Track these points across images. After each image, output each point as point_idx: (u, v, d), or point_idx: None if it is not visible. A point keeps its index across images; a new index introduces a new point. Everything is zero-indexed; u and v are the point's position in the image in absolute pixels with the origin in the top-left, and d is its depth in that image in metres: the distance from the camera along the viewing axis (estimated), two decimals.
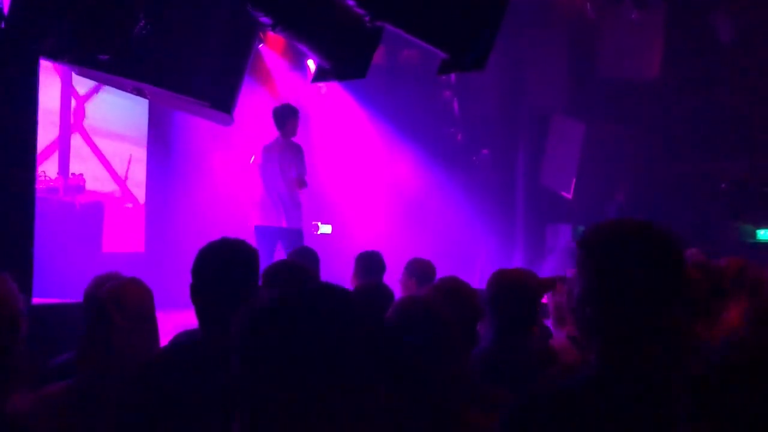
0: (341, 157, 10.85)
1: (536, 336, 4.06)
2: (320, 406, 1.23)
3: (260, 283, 3.39)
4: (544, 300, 5.41)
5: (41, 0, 4.71)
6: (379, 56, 6.51)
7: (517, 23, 9.78)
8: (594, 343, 1.90)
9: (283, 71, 10.25)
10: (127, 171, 9.31)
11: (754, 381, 1.42)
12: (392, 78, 10.75)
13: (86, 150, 8.86)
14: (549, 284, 4.26)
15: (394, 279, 5.52)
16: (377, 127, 11.04)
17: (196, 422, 2.36)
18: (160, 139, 9.64)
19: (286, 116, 7.93)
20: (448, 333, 2.41)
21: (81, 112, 8.77)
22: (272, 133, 8.28)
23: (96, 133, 8.98)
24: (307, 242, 7.57)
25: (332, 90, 10.49)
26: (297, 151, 7.93)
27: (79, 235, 7.80)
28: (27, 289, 4.58)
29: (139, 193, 9.54)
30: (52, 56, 5.17)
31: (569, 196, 11.13)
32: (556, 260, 10.41)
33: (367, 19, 5.80)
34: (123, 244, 9.12)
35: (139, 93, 6.03)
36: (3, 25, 4.57)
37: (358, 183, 11.02)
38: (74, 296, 4.89)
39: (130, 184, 9.39)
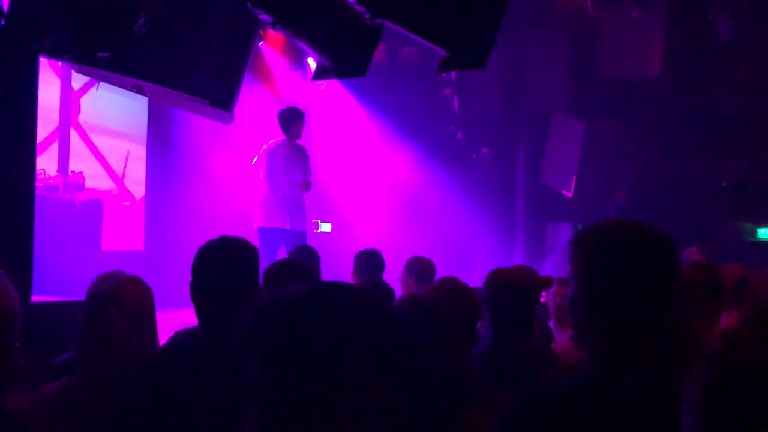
0: (341, 155, 10.85)
1: (536, 335, 4.06)
2: (340, 405, 1.23)
3: (261, 282, 3.39)
4: (544, 299, 5.42)
5: None
6: (379, 54, 6.50)
7: (518, 22, 9.80)
8: (587, 343, 1.90)
9: (283, 69, 10.25)
10: (124, 168, 9.30)
11: (754, 381, 1.41)
12: (392, 76, 10.75)
13: (82, 146, 8.84)
14: (546, 282, 4.26)
15: (394, 277, 5.52)
16: (377, 125, 11.03)
17: (195, 421, 2.35)
18: (160, 137, 9.63)
19: (291, 119, 7.95)
20: (449, 332, 2.41)
21: (76, 108, 8.75)
22: (273, 132, 8.28)
23: (94, 130, 8.97)
24: (308, 241, 7.61)
25: (332, 87, 10.48)
26: (302, 154, 7.96)
27: (78, 233, 7.80)
28: (26, 287, 4.58)
29: (137, 190, 9.53)
30: (52, 54, 5.17)
31: (570, 194, 11.13)
32: (556, 259, 10.42)
33: (367, 16, 5.80)
34: (122, 241, 9.12)
35: (139, 91, 6.02)
36: (2, 23, 4.56)
37: (358, 181, 11.02)
38: (74, 294, 4.88)
39: (127, 181, 9.37)
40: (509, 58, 10.51)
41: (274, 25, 5.80)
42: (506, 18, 6.32)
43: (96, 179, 8.85)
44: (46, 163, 7.94)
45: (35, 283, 4.78)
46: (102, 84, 7.32)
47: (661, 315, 1.87)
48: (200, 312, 2.59)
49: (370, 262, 5.65)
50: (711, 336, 3.26)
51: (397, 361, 1.30)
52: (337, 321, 1.26)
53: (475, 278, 7.41)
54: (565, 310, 4.31)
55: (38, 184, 5.96)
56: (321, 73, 6.88)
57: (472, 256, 10.81)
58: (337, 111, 10.87)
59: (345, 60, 6.44)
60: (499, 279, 3.51)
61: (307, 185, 7.88)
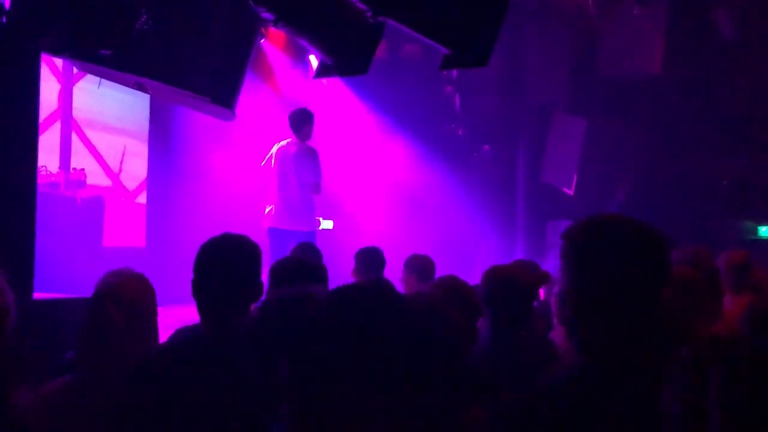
0: (342, 153, 10.84)
1: (539, 332, 4.06)
2: (368, 404, 1.24)
3: (267, 280, 3.40)
4: (543, 297, 5.42)
5: None
6: (380, 51, 6.49)
7: (519, 19, 9.79)
8: (576, 338, 1.90)
9: (284, 66, 10.24)
10: (120, 163, 9.28)
11: (754, 380, 1.42)
12: (393, 73, 10.73)
13: (83, 144, 8.84)
14: (543, 279, 4.26)
15: (395, 275, 5.52)
16: (378, 122, 11.02)
17: (196, 419, 2.36)
18: (162, 134, 9.64)
19: (302, 121, 8.02)
20: (450, 330, 2.41)
21: (69, 100, 8.75)
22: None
23: (96, 127, 8.97)
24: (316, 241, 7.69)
25: (333, 84, 10.48)
26: (314, 156, 8.04)
27: (80, 230, 7.82)
28: (28, 284, 4.58)
29: (135, 186, 9.51)
30: (54, 51, 5.18)
31: (570, 192, 11.13)
32: (557, 257, 10.40)
33: (369, 14, 5.80)
34: (124, 238, 9.12)
35: (141, 88, 6.02)
36: (4, 20, 4.56)
37: (359, 179, 11.01)
38: (75, 291, 4.90)
39: (124, 177, 9.35)
40: (510, 55, 10.50)
41: (275, 23, 5.80)
42: (507, 16, 6.32)
43: (97, 176, 8.85)
44: (47, 160, 7.95)
45: (37, 280, 4.78)
46: (104, 81, 7.31)
47: (651, 310, 1.86)
48: (202, 310, 2.59)
49: (370, 259, 5.66)
50: (711, 333, 3.27)
51: (422, 362, 1.32)
52: (365, 325, 1.27)
53: (475, 276, 7.40)
54: None
55: (40, 181, 5.96)
56: (323, 71, 6.88)
57: (472, 254, 10.81)
58: (338, 108, 10.86)
59: (347, 58, 6.44)
60: (496, 277, 3.52)
61: (318, 187, 7.98)
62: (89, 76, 7.57)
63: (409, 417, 1.28)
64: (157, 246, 9.23)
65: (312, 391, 1.26)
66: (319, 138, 10.30)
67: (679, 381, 1.57)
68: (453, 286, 3.10)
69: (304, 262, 3.66)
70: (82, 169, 8.40)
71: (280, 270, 3.45)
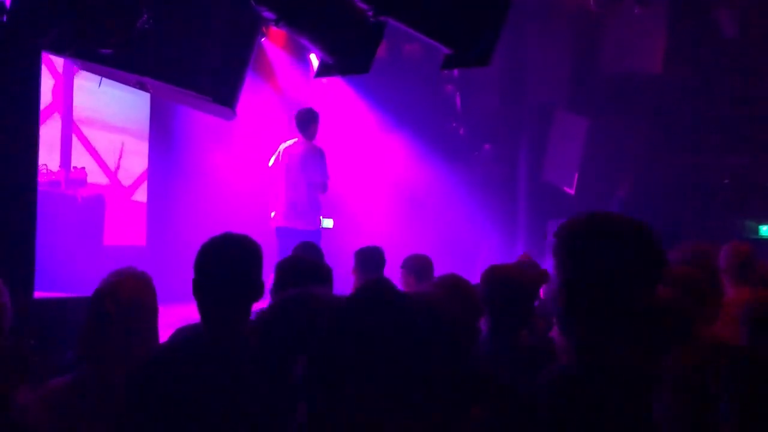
0: (342, 152, 10.84)
1: (541, 332, 4.06)
2: (383, 404, 1.25)
3: (272, 278, 3.40)
4: (543, 296, 5.41)
5: None
6: (381, 50, 6.49)
7: (520, 18, 9.77)
8: (567, 334, 1.89)
9: (285, 65, 10.24)
10: (118, 161, 9.26)
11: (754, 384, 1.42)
12: (394, 71, 10.72)
13: (84, 142, 8.84)
14: (543, 277, 4.25)
15: (396, 274, 5.52)
16: (379, 120, 11.02)
17: (196, 418, 2.35)
18: (162, 133, 9.63)
19: (309, 120, 8.17)
20: (453, 330, 2.41)
21: (69, 99, 8.74)
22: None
23: (96, 126, 8.96)
24: (322, 240, 7.77)
25: (334, 83, 10.48)
26: (321, 156, 8.17)
27: (80, 229, 7.81)
28: (29, 283, 4.58)
29: (131, 182, 9.49)
30: (55, 50, 5.18)
31: (572, 191, 11.12)
32: None
33: (370, 14, 5.79)
34: (124, 237, 9.13)
35: (142, 87, 6.02)
36: (5, 19, 4.56)
37: (359, 177, 11.01)
38: (76, 290, 4.89)
39: (121, 175, 9.33)
40: (511, 54, 10.48)
41: (277, 22, 5.79)
42: (509, 15, 6.31)
43: (95, 174, 8.84)
44: (48, 159, 7.94)
45: (37, 279, 4.78)
46: (104, 80, 7.31)
47: (642, 308, 1.86)
48: (202, 309, 2.58)
49: (369, 259, 5.65)
50: (711, 333, 3.27)
51: (435, 363, 1.33)
52: (384, 328, 1.28)
53: (476, 275, 7.40)
54: None
55: (40, 179, 5.96)
56: (324, 71, 6.87)
57: (473, 253, 10.80)
58: (339, 107, 10.86)
59: (348, 57, 6.43)
60: (495, 276, 3.51)
61: (325, 186, 8.13)
62: (88, 74, 7.57)
63: (419, 416, 1.29)
64: (158, 245, 9.23)
65: (330, 392, 1.27)
66: (320, 137, 10.30)
67: (677, 383, 1.57)
68: (454, 284, 3.09)
69: (310, 262, 3.66)
70: (83, 168, 8.40)
71: (286, 269, 3.45)
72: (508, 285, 3.41)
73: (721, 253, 4.66)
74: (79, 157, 8.70)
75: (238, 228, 2.87)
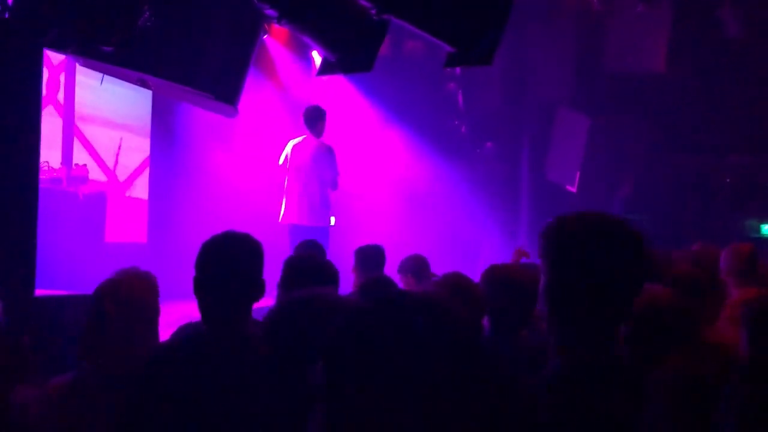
0: (344, 149, 10.83)
1: (540, 331, 4.05)
2: (401, 408, 1.25)
3: (279, 276, 3.40)
4: None
5: None
6: (383, 47, 6.48)
7: (523, 16, 9.76)
8: (554, 334, 1.89)
9: (287, 62, 10.23)
10: (116, 157, 9.25)
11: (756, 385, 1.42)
12: (396, 69, 10.72)
13: (85, 139, 8.83)
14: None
15: (397, 274, 5.52)
16: (380, 118, 11.01)
17: (196, 417, 2.35)
18: (164, 130, 9.63)
19: (317, 117, 8.29)
20: (461, 329, 2.40)
21: (71, 96, 8.73)
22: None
23: (97, 122, 8.96)
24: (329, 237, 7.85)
25: (336, 81, 10.47)
26: (331, 153, 8.27)
27: (82, 226, 7.81)
28: (30, 281, 4.58)
29: (126, 177, 9.48)
30: (56, 47, 5.17)
31: (574, 189, 11.11)
32: None
33: (373, 12, 5.78)
34: (126, 234, 9.13)
35: (144, 84, 6.02)
36: (7, 16, 4.56)
37: (361, 175, 11.00)
38: (78, 287, 4.89)
39: (119, 171, 9.32)
40: (514, 52, 10.47)
41: (279, 20, 5.78)
42: (512, 13, 6.30)
43: (93, 171, 8.84)
44: (49, 156, 7.94)
45: (39, 277, 4.77)
46: (106, 77, 7.30)
47: (627, 309, 1.86)
48: (203, 308, 2.58)
49: (370, 257, 5.66)
50: (712, 333, 3.27)
51: (461, 370, 1.33)
52: (402, 333, 1.28)
53: (478, 273, 7.39)
54: None
55: (42, 176, 5.96)
56: (326, 69, 6.87)
57: (475, 251, 10.79)
58: (341, 104, 10.85)
59: (351, 55, 6.42)
60: (495, 276, 3.50)
61: (335, 183, 8.25)
62: (89, 71, 7.57)
63: (429, 417, 1.29)
64: (159, 242, 9.23)
65: (350, 394, 1.27)
66: (323, 134, 10.33)
67: (676, 387, 1.56)
68: (458, 282, 3.09)
69: (318, 261, 3.66)
70: (84, 165, 8.40)
71: (294, 267, 3.45)
72: (508, 285, 3.40)
73: (723, 255, 4.64)
74: (79, 154, 8.69)
75: (239, 225, 2.86)
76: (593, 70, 10.98)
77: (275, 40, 9.75)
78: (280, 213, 8.27)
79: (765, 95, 10.25)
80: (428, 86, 11.08)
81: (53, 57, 8.40)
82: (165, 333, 2.97)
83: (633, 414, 1.65)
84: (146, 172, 9.67)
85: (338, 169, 8.30)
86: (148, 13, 4.91)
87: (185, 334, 3.03)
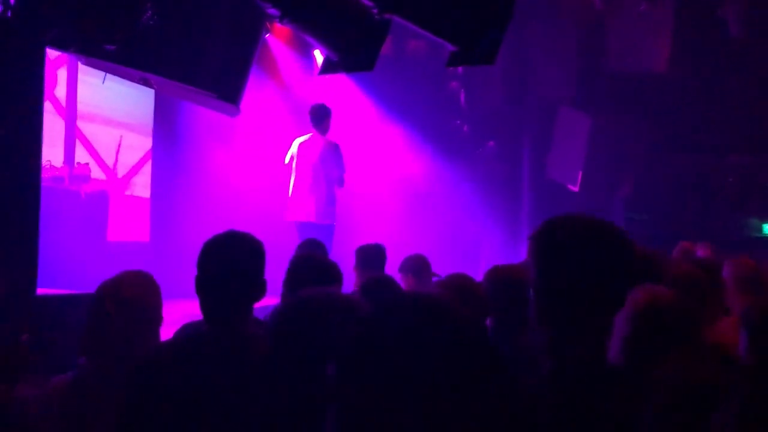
0: (346, 148, 10.82)
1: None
2: (415, 409, 1.25)
3: (284, 276, 3.41)
4: None
5: None
6: (385, 46, 6.48)
7: (525, 15, 9.76)
8: (544, 335, 1.90)
9: (289, 61, 10.23)
10: (116, 155, 9.24)
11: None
12: (399, 68, 10.72)
13: (86, 138, 8.83)
14: None
15: (397, 274, 5.52)
16: (382, 117, 11.01)
17: (197, 417, 2.35)
18: (166, 129, 9.64)
19: (324, 115, 8.33)
20: (461, 330, 2.40)
21: (73, 95, 8.73)
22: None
23: (99, 121, 8.96)
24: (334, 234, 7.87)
25: (338, 80, 10.46)
26: (337, 151, 8.31)
27: (84, 224, 7.82)
28: (32, 280, 4.58)
29: (124, 173, 9.48)
30: (59, 46, 5.18)
31: (575, 189, 11.11)
32: None
33: (375, 11, 5.79)
34: (128, 233, 9.13)
35: (146, 83, 6.03)
36: (9, 15, 4.57)
37: (363, 174, 11.00)
38: (80, 286, 4.90)
39: (119, 169, 9.30)
40: (516, 51, 10.48)
41: (281, 19, 5.79)
42: (514, 13, 6.30)
43: (98, 170, 8.85)
44: (51, 154, 7.94)
45: (41, 276, 4.78)
46: (108, 75, 7.31)
47: (613, 311, 1.87)
48: (204, 307, 2.58)
49: (370, 256, 5.66)
50: (712, 335, 3.26)
51: (475, 374, 1.33)
52: (415, 335, 1.28)
53: (479, 272, 7.40)
54: None
55: (44, 175, 5.97)
56: (328, 68, 6.87)
57: (476, 251, 10.80)
58: (343, 103, 10.85)
59: (353, 54, 6.43)
60: (497, 276, 3.50)
61: (342, 181, 8.28)
62: (90, 69, 7.57)
63: (434, 417, 1.30)
64: (161, 241, 9.24)
65: (364, 395, 1.27)
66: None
67: (676, 389, 1.57)
68: (461, 283, 3.09)
69: (323, 261, 3.67)
70: (86, 164, 8.40)
71: (299, 266, 3.46)
72: (510, 285, 3.41)
73: (726, 268, 4.50)
74: (79, 153, 8.69)
75: (242, 224, 2.87)
76: (595, 69, 10.99)
77: (277, 39, 9.75)
78: (285, 211, 8.27)
79: (765, 95, 10.25)
80: (430, 85, 11.09)
81: (50, 52, 8.38)
82: (166, 332, 2.97)
83: (632, 414, 1.65)
84: (144, 170, 9.66)
85: (345, 167, 8.27)
86: (150, 11, 4.92)
87: (187, 333, 3.04)
